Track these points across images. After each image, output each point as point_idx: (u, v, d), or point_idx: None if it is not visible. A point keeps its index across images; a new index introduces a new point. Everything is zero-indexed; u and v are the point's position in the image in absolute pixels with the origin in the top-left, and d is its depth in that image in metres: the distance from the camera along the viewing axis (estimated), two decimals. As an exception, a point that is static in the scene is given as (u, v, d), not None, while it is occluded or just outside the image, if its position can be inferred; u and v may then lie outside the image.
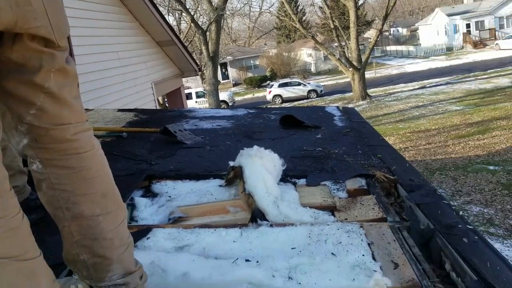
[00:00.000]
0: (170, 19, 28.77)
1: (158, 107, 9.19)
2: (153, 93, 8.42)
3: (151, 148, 3.25)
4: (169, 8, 25.09)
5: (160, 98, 17.52)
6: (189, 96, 26.70)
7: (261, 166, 2.14)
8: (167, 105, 14.83)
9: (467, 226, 1.73)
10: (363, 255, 1.54)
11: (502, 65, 27.79)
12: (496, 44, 36.32)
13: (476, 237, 1.64)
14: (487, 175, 9.93)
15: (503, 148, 11.96)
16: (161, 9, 18.88)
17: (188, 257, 1.58)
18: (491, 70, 26.50)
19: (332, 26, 25.33)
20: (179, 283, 1.41)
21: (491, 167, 10.50)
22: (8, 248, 0.90)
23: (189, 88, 30.02)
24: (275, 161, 2.31)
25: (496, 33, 39.18)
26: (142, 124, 4.18)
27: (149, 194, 2.42)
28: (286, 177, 2.43)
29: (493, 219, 7.81)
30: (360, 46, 25.87)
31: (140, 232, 1.85)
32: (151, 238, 1.81)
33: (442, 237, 1.65)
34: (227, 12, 30.89)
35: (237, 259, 1.53)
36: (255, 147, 2.26)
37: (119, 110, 5.11)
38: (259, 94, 33.72)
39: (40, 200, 2.02)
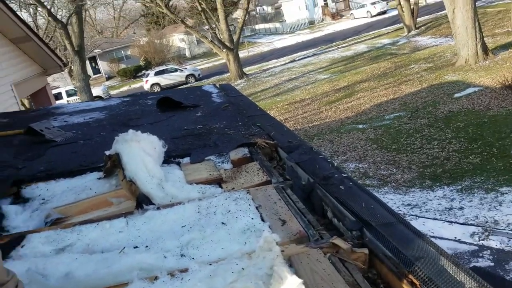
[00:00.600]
0: (24, 15, 26.00)
1: (22, 110, 8.30)
2: (15, 95, 7.57)
3: (15, 152, 2.91)
4: (21, 3, 22.58)
5: (26, 102, 15.88)
6: (59, 96, 24.56)
7: (139, 149, 2.05)
8: (34, 107, 13.52)
9: (342, 174, 1.86)
10: (252, 218, 1.56)
11: (358, 32, 30.44)
12: (351, 14, 39.60)
13: (351, 183, 1.77)
14: (358, 134, 10.90)
15: (368, 107, 13.20)
16: (12, 5, 16.89)
17: (70, 257, 1.45)
18: (350, 38, 28.86)
19: (200, 9, 25.17)
20: (61, 285, 1.29)
21: (360, 126, 11.54)
22: None
23: (57, 87, 27.66)
24: (155, 143, 2.23)
25: (350, 3, 42.63)
26: (3, 128, 3.72)
27: (19, 200, 2.18)
28: (169, 158, 2.37)
29: (367, 172, 8.62)
30: (230, 27, 26.21)
31: (13, 241, 1.66)
32: (26, 245, 1.63)
33: (321, 188, 1.75)
34: (88, 3, 28.83)
35: (123, 248, 1.45)
36: (131, 131, 2.14)
37: (-28, 117, 4.49)
38: (135, 85, 32.45)
39: None
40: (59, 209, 2.00)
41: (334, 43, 28.72)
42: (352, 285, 1.15)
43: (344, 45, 27.24)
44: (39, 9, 22.92)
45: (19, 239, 1.69)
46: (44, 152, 2.82)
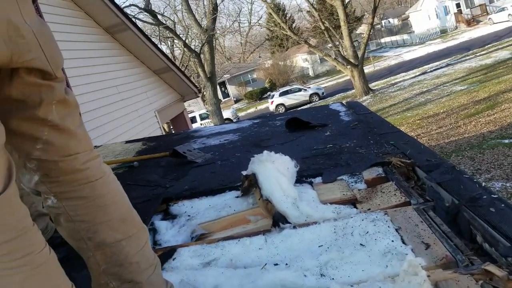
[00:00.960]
0: (163, 48, 29.12)
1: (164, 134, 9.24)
2: (158, 121, 8.47)
3: (163, 172, 3.24)
4: (161, 37, 25.42)
5: (165, 126, 17.66)
6: (193, 120, 26.81)
7: (274, 170, 2.12)
8: (173, 131, 14.92)
9: (492, 196, 1.69)
10: (392, 241, 1.50)
11: (499, 38, 27.60)
12: (489, 18, 36.16)
13: (503, 205, 1.59)
14: (504, 149, 9.77)
15: (515, 119, 11.80)
16: (153, 39, 19.13)
17: (216, 271, 1.56)
18: (489, 45, 26.32)
19: (323, 28, 25.36)
20: (211, 297, 1.39)
21: (506, 141, 10.34)
22: (41, 284, 0.89)
23: (192, 112, 30.17)
24: (287, 163, 2.29)
25: (487, 8, 39.02)
26: (151, 151, 4.18)
27: (168, 216, 2.41)
28: (301, 178, 2.41)
29: (518, 191, 7.65)
30: (354, 43, 25.88)
31: (166, 254, 1.84)
32: (177, 258, 1.79)
33: (468, 210, 1.61)
34: (218, 32, 31.18)
35: (265, 264, 1.51)
36: (265, 152, 2.24)
37: (127, 141, 5.13)
38: (261, 106, 33.78)
39: (64, 237, 2.02)
40: (203, 225, 2.16)
41: (470, 51, 26.45)
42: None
43: (482, 52, 24.92)
44: (175, 41, 25.43)
45: (170, 252, 1.86)
46: (187, 173, 3.09)
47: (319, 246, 1.63)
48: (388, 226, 1.61)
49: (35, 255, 0.89)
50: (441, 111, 15.69)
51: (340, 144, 3.00)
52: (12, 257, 0.85)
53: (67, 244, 1.22)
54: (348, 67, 23.92)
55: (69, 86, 5.43)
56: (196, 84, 12.76)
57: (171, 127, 15.33)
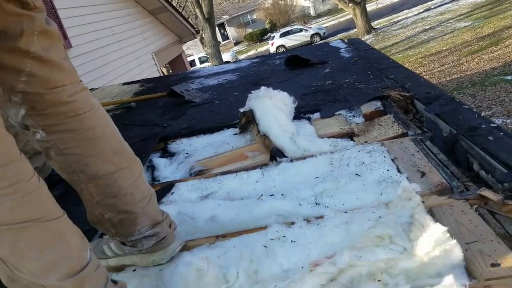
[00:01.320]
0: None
1: (163, 77, 9.12)
2: (155, 63, 8.34)
3: (161, 112, 3.22)
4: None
5: (164, 70, 17.42)
6: (192, 64, 26.39)
7: (271, 105, 2.10)
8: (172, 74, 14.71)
9: (491, 124, 1.67)
10: (388, 170, 1.51)
11: (507, -30, 26.44)
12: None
13: (502, 133, 1.58)
14: (506, 86, 9.66)
15: (519, 56, 11.57)
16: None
17: (213, 203, 1.58)
18: (497, -22, 25.26)
19: (324, -37, 24.27)
20: (208, 226, 1.41)
21: (509, 77, 10.20)
22: (30, 211, 0.90)
23: (191, 55, 29.65)
24: (285, 99, 2.26)
25: None
26: (149, 92, 4.14)
27: (167, 154, 2.42)
28: (299, 114, 2.39)
29: (518, 128, 7.65)
30: (356, -21, 24.87)
31: (164, 189, 1.86)
32: (175, 192, 1.82)
33: (466, 139, 1.60)
34: (215, -30, 29.90)
35: (261, 195, 1.53)
36: (263, 87, 2.20)
37: (124, 84, 5.07)
38: (262, 48, 33.11)
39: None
40: (201, 162, 2.17)
41: (476, -15, 25.47)
42: (503, 237, 1.04)
43: (489, -14, 24.00)
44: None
45: (169, 187, 1.88)
46: (185, 112, 3.07)
47: (315, 178, 1.64)
48: (384, 157, 1.61)
49: (23, 183, 0.89)
50: (444, 48, 15.36)
51: (339, 80, 2.95)
52: (0, 185, 0.85)
53: (65, 181, 1.23)
54: (350, 5, 23.13)
55: (67, 39, 5.29)
56: (194, 25, 12.43)
57: (170, 71, 15.14)
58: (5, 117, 1.11)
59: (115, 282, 1.03)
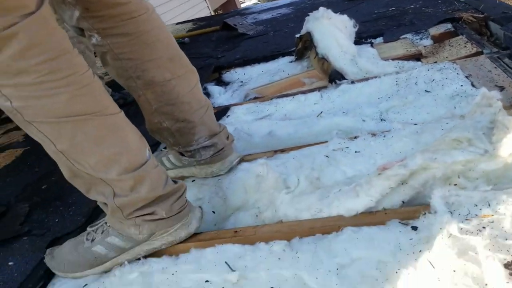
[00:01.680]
0: None
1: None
2: (208, 6, 8.20)
3: (214, 45, 3.16)
4: None
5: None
6: (244, 9, 25.88)
7: (331, 26, 1.97)
8: (224, 20, 14.51)
9: None
10: (462, 85, 1.38)
11: None
12: None
13: None
14: None
15: None
16: None
17: (270, 122, 1.53)
18: None
19: None
20: (265, 142, 1.37)
21: None
22: (86, 104, 0.88)
23: (243, 2, 29.03)
24: (345, 21, 2.11)
25: None
26: (203, 27, 4.07)
27: (221, 83, 2.38)
28: (360, 40, 2.25)
29: None
30: None
31: (220, 113, 1.83)
32: (231, 115, 1.78)
33: (554, 53, 1.42)
34: None
35: (321, 112, 1.45)
36: (321, 8, 2.06)
37: (178, 23, 5.03)
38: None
39: (122, 100, 2.04)
40: (256, 90, 2.12)
41: None
42: None
43: None
44: None
45: (224, 110, 1.85)
46: (239, 44, 2.99)
47: (379, 98, 1.53)
48: (457, 73, 1.47)
49: (78, 75, 0.86)
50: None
51: (404, 6, 2.73)
52: (55, 77, 0.83)
53: (123, 106, 1.20)
54: None
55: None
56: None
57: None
58: (60, 21, 1.09)
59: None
